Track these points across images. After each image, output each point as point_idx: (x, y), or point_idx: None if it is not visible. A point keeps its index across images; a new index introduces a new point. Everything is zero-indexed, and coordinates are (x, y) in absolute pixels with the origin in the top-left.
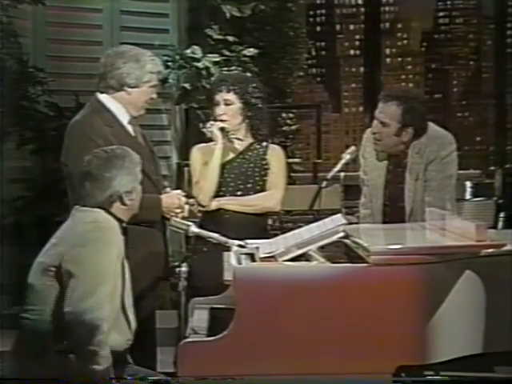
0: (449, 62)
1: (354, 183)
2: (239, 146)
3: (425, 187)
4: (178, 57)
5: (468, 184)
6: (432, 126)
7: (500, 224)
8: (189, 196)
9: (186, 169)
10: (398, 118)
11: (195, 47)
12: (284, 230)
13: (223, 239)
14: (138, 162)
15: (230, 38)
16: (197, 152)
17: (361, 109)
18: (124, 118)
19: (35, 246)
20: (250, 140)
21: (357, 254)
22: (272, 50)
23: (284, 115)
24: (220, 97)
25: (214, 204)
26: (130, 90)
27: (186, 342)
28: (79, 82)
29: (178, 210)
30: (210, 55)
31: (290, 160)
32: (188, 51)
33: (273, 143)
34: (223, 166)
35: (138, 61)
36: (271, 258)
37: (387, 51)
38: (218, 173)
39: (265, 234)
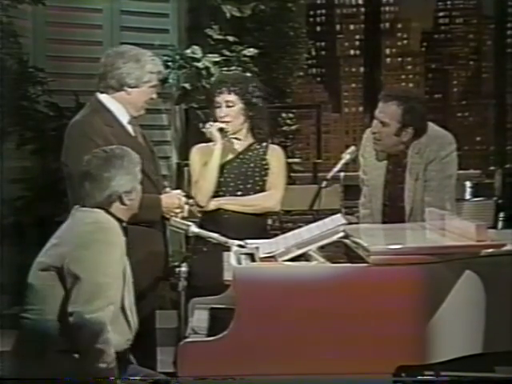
0: (449, 62)
1: (354, 183)
2: (239, 146)
3: (425, 187)
4: (178, 57)
5: (468, 184)
6: (432, 126)
7: (500, 224)
8: (189, 196)
9: (185, 169)
10: (397, 118)
11: (195, 47)
12: (284, 230)
13: (223, 239)
14: (137, 162)
15: (230, 38)
16: (196, 152)
17: (361, 109)
18: (124, 118)
19: (35, 246)
20: (250, 140)
21: (357, 254)
22: (272, 50)
23: (284, 115)
24: (221, 98)
25: (214, 204)
26: (129, 89)
27: (185, 342)
28: (79, 82)
29: (178, 210)
30: (210, 55)
31: (290, 160)
32: (188, 51)
33: (273, 143)
34: (223, 166)
35: (138, 61)
36: (271, 258)
37: (387, 51)
38: (216, 173)
39: (265, 233)
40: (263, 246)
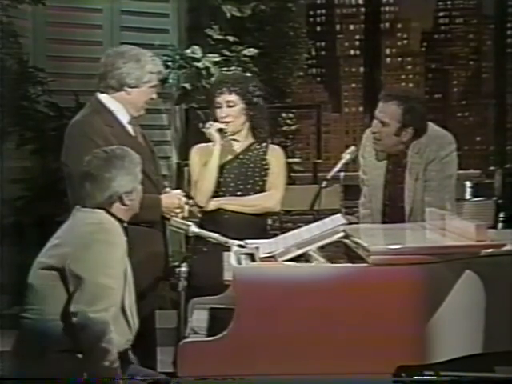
0: (449, 62)
1: (354, 183)
2: (239, 146)
3: (425, 187)
4: (178, 57)
5: (468, 184)
6: (432, 125)
7: (500, 224)
8: (189, 196)
9: (185, 169)
10: (397, 118)
11: (195, 47)
12: (284, 230)
13: (223, 239)
14: (137, 162)
15: (230, 38)
16: (196, 152)
17: (361, 109)
18: (124, 118)
19: (35, 246)
20: (250, 140)
21: (357, 254)
22: (272, 50)
23: (284, 115)
24: (222, 99)
25: (214, 204)
26: (130, 90)
27: (185, 342)
28: (79, 82)
29: (178, 210)
30: (210, 55)
31: (290, 160)
32: (188, 51)
33: (273, 143)
34: (223, 166)
35: (138, 61)
36: (271, 257)
37: (387, 51)
38: (216, 174)
39: (265, 234)
40: (263, 246)
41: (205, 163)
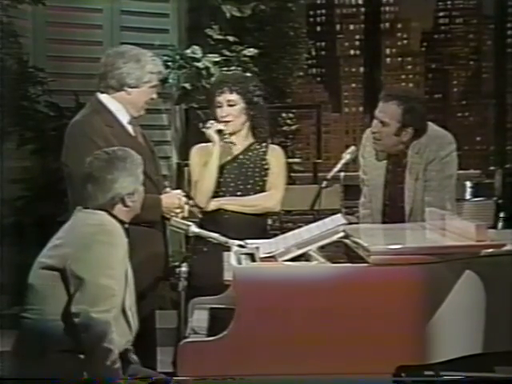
0: (449, 62)
1: (354, 183)
2: (239, 146)
3: (425, 187)
4: (178, 57)
5: (468, 184)
6: (432, 125)
7: (500, 224)
8: (189, 196)
9: (186, 169)
10: (397, 118)
11: (195, 47)
12: (284, 230)
13: (223, 239)
14: (139, 164)
15: (230, 38)
16: (196, 152)
17: (361, 109)
18: (124, 118)
19: (35, 246)
20: (250, 140)
21: (357, 254)
22: (272, 50)
23: (284, 115)
24: (223, 98)
25: (214, 204)
26: (130, 90)
27: (185, 342)
28: (79, 82)
29: (178, 210)
30: (210, 55)
31: (290, 160)
32: (188, 51)
33: (273, 143)
34: (223, 167)
35: (138, 61)
36: (271, 258)
37: (387, 51)
38: (215, 175)
39: (265, 234)
40: (263, 246)
41: (205, 163)
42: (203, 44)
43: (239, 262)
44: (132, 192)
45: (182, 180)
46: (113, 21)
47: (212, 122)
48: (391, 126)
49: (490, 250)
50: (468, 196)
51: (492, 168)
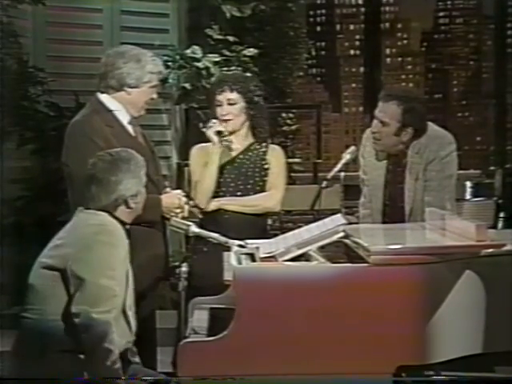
0: (449, 62)
1: (354, 183)
2: (239, 146)
3: (425, 187)
4: (178, 57)
5: (468, 184)
6: (432, 125)
7: (500, 224)
8: (189, 196)
9: (186, 169)
10: (397, 118)
11: (195, 47)
12: (284, 230)
13: (223, 239)
14: (142, 165)
15: (230, 38)
16: (196, 152)
17: (361, 109)
18: (124, 118)
19: (35, 246)
20: (250, 140)
21: (357, 254)
22: (272, 50)
23: (284, 115)
24: (223, 97)
25: (215, 204)
26: (130, 90)
27: (185, 342)
28: (79, 82)
29: (178, 210)
30: (210, 55)
31: (290, 160)
32: (188, 51)
33: (273, 143)
34: (223, 167)
35: (138, 61)
36: (271, 257)
37: (387, 51)
38: (215, 176)
39: (265, 234)
40: (263, 246)
41: (205, 163)
42: (203, 44)
43: (239, 262)
44: (135, 194)
45: (182, 180)
46: (113, 21)
47: (212, 122)
48: (391, 126)
49: (490, 250)
50: (468, 196)
51: (492, 168)
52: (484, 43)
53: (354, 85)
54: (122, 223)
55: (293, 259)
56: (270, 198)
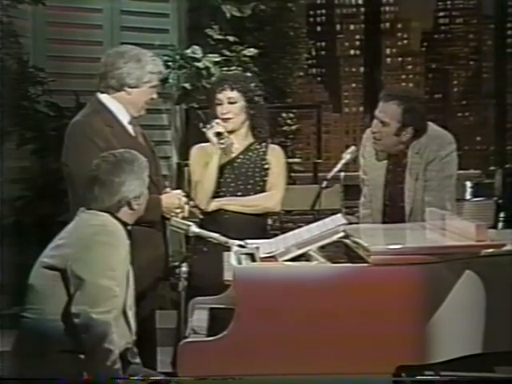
0: (449, 62)
1: (354, 183)
2: (239, 146)
3: (425, 187)
4: (178, 57)
5: (468, 184)
6: (432, 125)
7: (500, 224)
8: (189, 196)
9: (186, 169)
10: (397, 118)
11: (195, 47)
12: (284, 230)
13: (223, 239)
14: (145, 167)
15: (231, 38)
16: (196, 152)
17: (361, 109)
18: (124, 118)
19: (35, 245)
20: (250, 140)
21: (357, 254)
22: (272, 50)
23: (284, 115)
24: (223, 95)
25: (215, 205)
26: (130, 90)
27: (185, 342)
28: (79, 82)
29: (178, 210)
30: (210, 55)
31: (290, 160)
32: (188, 51)
33: (273, 143)
34: (223, 167)
35: (138, 61)
36: (271, 257)
37: (387, 51)
38: (215, 177)
39: (265, 234)
40: (263, 246)
41: (205, 163)
42: (203, 44)
43: (239, 262)
44: (138, 195)
45: (182, 180)
46: (113, 21)
47: (212, 123)
48: (391, 126)
49: (490, 250)
50: (468, 196)
51: (492, 168)
52: (484, 43)
53: (354, 85)
54: (124, 224)
55: (293, 259)
56: (271, 198)
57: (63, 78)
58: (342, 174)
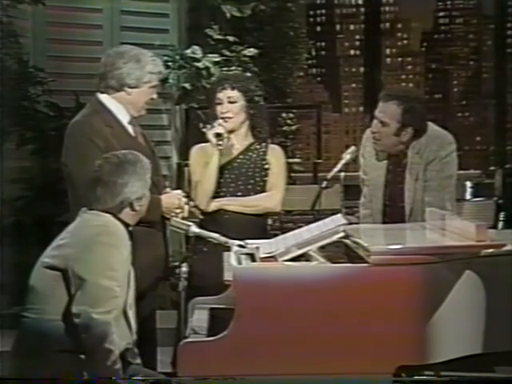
0: (449, 62)
1: (354, 183)
2: (239, 146)
3: (425, 187)
4: (178, 57)
5: (468, 184)
6: (432, 126)
7: (500, 224)
8: (189, 196)
9: (186, 169)
10: (397, 118)
11: (195, 47)
12: (284, 230)
13: (223, 239)
14: (148, 168)
15: (230, 38)
16: (196, 152)
17: (361, 109)
18: (124, 119)
19: (35, 245)
20: (250, 140)
21: (357, 254)
22: (272, 50)
23: (284, 115)
24: (223, 95)
25: (215, 205)
26: (129, 90)
27: (185, 342)
28: (79, 82)
29: (178, 210)
30: (210, 55)
31: (290, 160)
32: (188, 51)
33: (273, 143)
34: (223, 167)
35: (138, 61)
36: (271, 258)
37: (387, 51)
38: (215, 177)
39: (265, 234)
40: (263, 246)
41: (205, 163)
42: (203, 44)
43: (239, 262)
44: (140, 197)
45: (182, 180)
46: (113, 21)
47: (212, 124)
48: (391, 126)
49: (490, 250)
50: (468, 196)
51: (492, 168)
52: (484, 43)
53: (353, 85)
54: (126, 225)
55: (293, 259)
56: (271, 199)
57: (63, 78)
58: (342, 174)
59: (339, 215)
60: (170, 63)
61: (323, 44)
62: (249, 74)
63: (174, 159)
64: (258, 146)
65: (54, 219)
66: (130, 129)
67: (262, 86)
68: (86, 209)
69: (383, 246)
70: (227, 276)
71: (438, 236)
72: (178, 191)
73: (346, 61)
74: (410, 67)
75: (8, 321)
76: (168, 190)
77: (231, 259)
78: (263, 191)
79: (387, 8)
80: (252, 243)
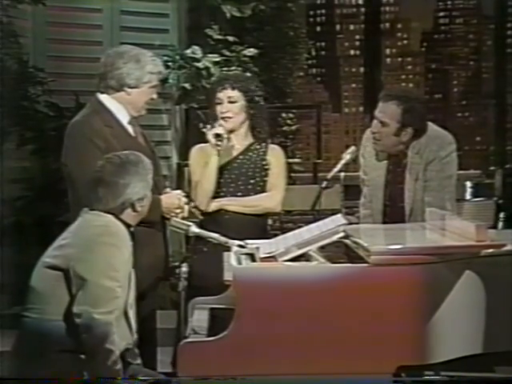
0: (449, 62)
1: (354, 183)
2: (239, 146)
3: (425, 187)
4: (178, 57)
5: (468, 184)
6: (432, 126)
7: (500, 224)
8: (189, 196)
9: (186, 169)
10: (397, 118)
11: (195, 47)
12: (284, 230)
13: (223, 239)
14: (150, 169)
15: (230, 38)
16: (196, 152)
17: (361, 109)
18: (124, 119)
19: (35, 245)
20: (250, 140)
21: (357, 254)
22: (272, 50)
23: (284, 115)
24: (224, 94)
25: (215, 205)
26: (129, 90)
27: (185, 342)
28: (79, 82)
29: (178, 211)
30: (210, 55)
31: (290, 160)
32: (188, 51)
33: (273, 143)
34: (223, 167)
35: (138, 61)
36: (271, 258)
37: (387, 51)
38: (215, 178)
39: (265, 234)
40: (263, 246)
41: (205, 164)
42: (203, 44)
43: (239, 262)
44: (142, 197)
45: (182, 180)
46: (113, 21)
47: (212, 124)
48: (391, 126)
49: (490, 250)
50: (468, 196)
51: (492, 168)
52: (484, 43)
53: (353, 85)
54: (127, 225)
55: (293, 259)
56: (271, 199)
57: (63, 78)
58: (342, 174)
59: (339, 215)
60: (170, 63)
61: (323, 44)
62: (249, 74)
63: (174, 159)
64: (257, 146)
65: (54, 219)
66: (129, 129)
67: (262, 86)
68: (88, 209)
69: (383, 246)
70: (227, 276)
71: (438, 236)
72: (178, 191)
73: (346, 61)
74: (410, 67)
75: (8, 321)
76: (168, 190)
77: (231, 259)
78: (263, 191)
79: (387, 8)
80: (252, 243)
